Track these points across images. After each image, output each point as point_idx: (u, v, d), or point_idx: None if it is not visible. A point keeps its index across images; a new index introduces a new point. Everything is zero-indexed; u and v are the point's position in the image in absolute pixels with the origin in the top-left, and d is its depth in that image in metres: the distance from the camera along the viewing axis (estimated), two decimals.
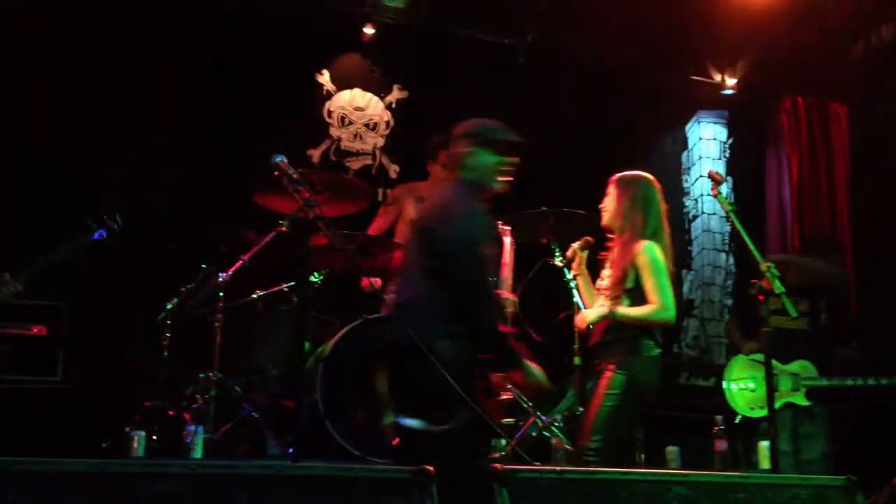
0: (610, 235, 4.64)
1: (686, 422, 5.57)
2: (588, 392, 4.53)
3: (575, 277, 4.78)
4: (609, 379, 4.35)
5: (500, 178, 3.98)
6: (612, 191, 4.64)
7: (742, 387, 5.58)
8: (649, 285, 4.37)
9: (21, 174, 6.14)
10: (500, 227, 5.00)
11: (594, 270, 4.76)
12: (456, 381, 3.50)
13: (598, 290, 4.66)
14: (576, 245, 4.78)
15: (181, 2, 6.86)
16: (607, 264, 4.63)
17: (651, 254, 4.40)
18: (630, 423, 4.57)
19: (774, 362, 5.47)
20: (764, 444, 4.48)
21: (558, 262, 4.91)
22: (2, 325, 5.38)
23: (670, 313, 4.35)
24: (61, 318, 5.58)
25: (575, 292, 4.77)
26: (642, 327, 4.39)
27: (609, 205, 4.63)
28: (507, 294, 4.51)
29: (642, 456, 5.25)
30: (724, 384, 5.64)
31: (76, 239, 4.78)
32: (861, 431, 6.32)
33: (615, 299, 4.45)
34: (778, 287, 3.93)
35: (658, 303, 4.35)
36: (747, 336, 5.92)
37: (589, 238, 4.76)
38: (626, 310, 4.42)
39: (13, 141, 6.14)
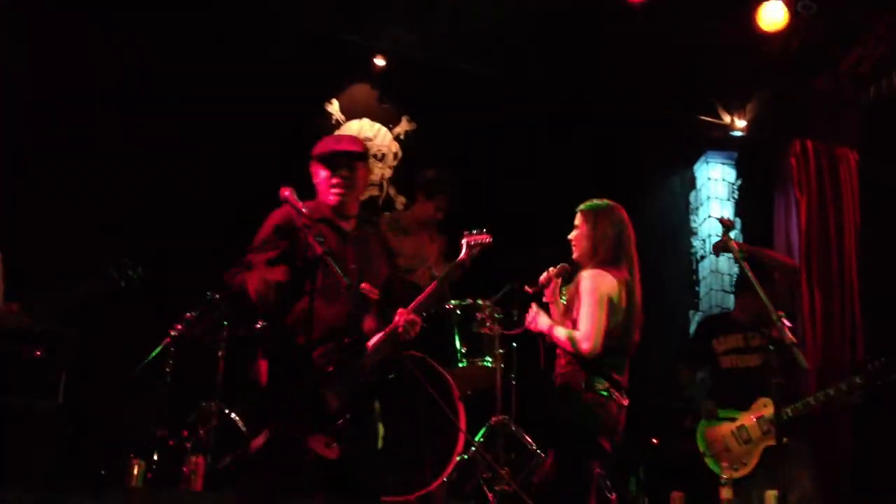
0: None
1: (691, 467, 5.48)
2: None
3: (548, 305, 4.59)
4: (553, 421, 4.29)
5: (331, 191, 4.05)
6: (577, 222, 4.56)
7: (718, 450, 5.34)
8: (581, 312, 4.25)
9: (40, 203, 6.18)
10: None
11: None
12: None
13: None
14: (552, 270, 4.60)
15: (190, 31, 6.86)
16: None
17: (590, 281, 4.28)
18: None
19: (736, 413, 5.36)
20: (772, 494, 4.41)
21: (528, 288, 4.66)
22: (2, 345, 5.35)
23: (585, 345, 4.17)
24: (64, 341, 5.53)
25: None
26: (587, 363, 4.21)
27: (575, 237, 4.56)
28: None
29: (646, 500, 5.19)
30: (702, 451, 5.40)
31: (95, 283, 4.73)
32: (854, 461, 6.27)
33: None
34: (789, 338, 3.82)
35: (580, 330, 4.21)
36: (697, 385, 5.73)
37: (567, 266, 4.58)
38: (557, 328, 4.31)
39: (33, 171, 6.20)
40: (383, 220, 6.74)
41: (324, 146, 4.14)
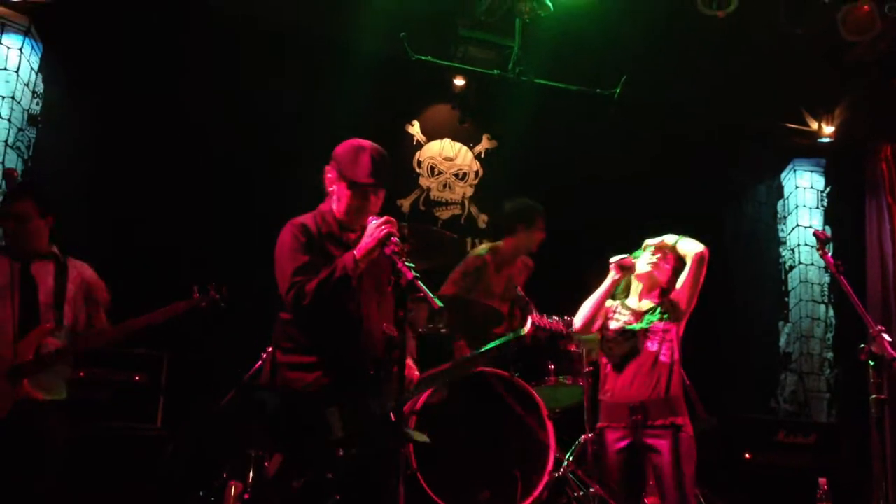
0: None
1: (786, 482, 5.37)
2: None
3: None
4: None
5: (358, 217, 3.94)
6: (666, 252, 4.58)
7: None
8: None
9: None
10: None
11: None
12: None
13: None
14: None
15: (270, 56, 7.02)
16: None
17: None
18: None
19: None
20: None
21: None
22: (103, 371, 5.52)
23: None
24: (161, 366, 5.69)
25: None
26: None
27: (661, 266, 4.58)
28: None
29: None
30: None
31: (179, 304, 4.80)
32: None
33: None
34: (890, 353, 3.71)
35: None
36: None
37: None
38: None
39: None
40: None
41: (363, 171, 3.86)
